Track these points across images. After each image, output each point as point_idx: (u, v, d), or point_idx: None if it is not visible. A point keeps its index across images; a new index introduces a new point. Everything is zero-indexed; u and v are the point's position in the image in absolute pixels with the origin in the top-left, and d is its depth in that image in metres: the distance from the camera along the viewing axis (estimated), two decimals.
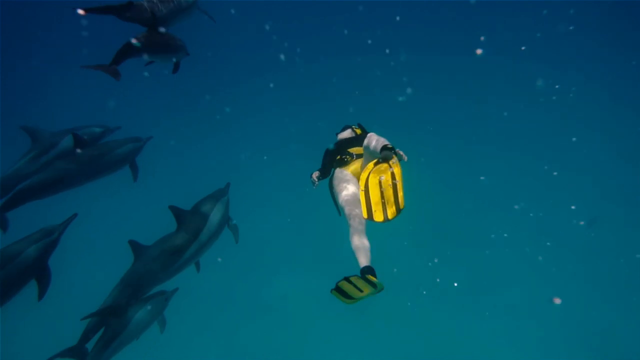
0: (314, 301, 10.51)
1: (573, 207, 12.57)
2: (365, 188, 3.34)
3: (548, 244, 12.04)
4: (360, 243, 3.19)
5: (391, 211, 3.36)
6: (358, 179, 3.59)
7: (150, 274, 5.78)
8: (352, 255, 3.17)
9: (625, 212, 13.02)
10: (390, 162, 3.32)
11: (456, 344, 9.92)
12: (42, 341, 7.29)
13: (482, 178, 13.59)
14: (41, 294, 4.90)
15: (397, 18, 20.93)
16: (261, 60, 20.88)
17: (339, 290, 2.84)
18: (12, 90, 19.04)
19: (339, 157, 3.87)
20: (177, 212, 6.00)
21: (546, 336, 10.11)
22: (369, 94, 17.97)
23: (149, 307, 5.90)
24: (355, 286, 2.83)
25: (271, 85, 18.83)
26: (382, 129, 3.85)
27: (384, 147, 3.28)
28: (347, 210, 3.44)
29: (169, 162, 16.26)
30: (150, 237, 6.10)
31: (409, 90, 16.97)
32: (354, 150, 3.89)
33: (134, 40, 4.74)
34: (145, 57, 5.12)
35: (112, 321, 5.46)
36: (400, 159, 3.48)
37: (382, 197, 3.32)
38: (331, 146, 4.02)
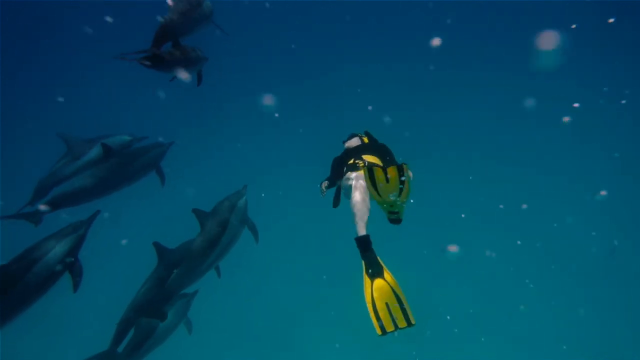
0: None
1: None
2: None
3: None
4: (362, 200, 3.20)
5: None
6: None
7: (175, 280, 5.81)
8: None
9: None
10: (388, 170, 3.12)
11: None
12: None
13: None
14: (75, 286, 5.12)
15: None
16: (281, 69, 21.34)
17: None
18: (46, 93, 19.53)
19: (351, 161, 3.75)
20: (200, 215, 6.06)
21: None
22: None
23: (174, 310, 6.09)
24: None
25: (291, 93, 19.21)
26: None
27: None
28: (353, 183, 3.41)
29: (190, 165, 16.64)
30: (172, 239, 6.30)
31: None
32: (366, 157, 3.76)
33: (160, 19, 4.89)
34: (173, 72, 5.21)
35: (142, 323, 5.63)
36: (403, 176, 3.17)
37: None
38: (339, 155, 4.02)
